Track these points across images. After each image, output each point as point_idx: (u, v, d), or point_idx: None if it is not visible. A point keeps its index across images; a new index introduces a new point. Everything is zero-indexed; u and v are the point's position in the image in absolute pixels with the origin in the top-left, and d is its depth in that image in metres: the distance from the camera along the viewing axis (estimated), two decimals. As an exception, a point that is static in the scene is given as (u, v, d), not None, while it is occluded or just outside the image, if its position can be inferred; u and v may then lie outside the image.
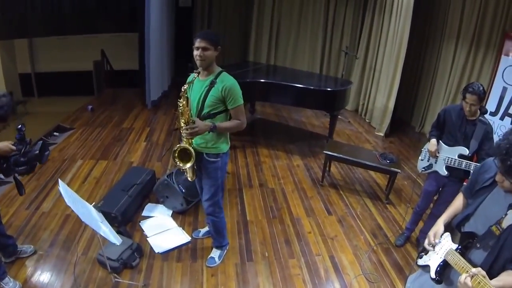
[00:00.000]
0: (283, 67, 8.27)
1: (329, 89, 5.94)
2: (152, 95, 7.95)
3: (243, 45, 9.73)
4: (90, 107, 7.78)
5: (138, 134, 6.66)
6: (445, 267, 2.17)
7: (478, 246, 2.01)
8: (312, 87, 5.83)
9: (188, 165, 3.19)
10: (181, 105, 3.06)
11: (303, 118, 7.86)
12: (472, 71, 6.05)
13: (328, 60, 9.01)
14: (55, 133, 6.63)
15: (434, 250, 2.26)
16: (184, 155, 3.20)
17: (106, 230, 2.77)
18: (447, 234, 2.26)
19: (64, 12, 9.86)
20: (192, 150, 3.14)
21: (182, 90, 3.05)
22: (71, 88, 10.39)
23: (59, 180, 2.81)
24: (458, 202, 2.40)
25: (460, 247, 2.11)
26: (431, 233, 2.27)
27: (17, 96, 10.33)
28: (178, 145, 3.20)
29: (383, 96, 7.15)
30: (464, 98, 3.32)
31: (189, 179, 3.36)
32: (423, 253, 2.38)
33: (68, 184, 4.93)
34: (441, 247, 2.23)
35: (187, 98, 3.10)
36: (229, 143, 3.39)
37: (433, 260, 2.25)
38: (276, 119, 7.82)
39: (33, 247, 3.75)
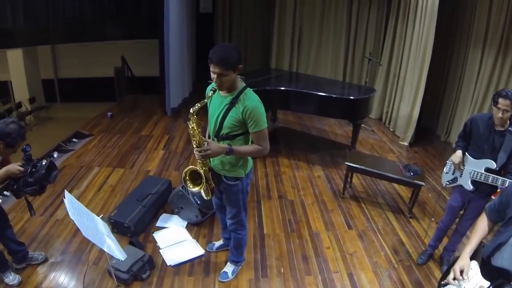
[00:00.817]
0: (305, 75, 8.08)
1: (351, 97, 5.70)
2: (172, 102, 7.89)
3: (265, 51, 9.61)
4: (109, 113, 7.79)
5: (157, 142, 6.60)
6: None
7: None
8: (334, 95, 5.64)
9: (197, 189, 2.94)
10: (190, 127, 2.74)
11: (326, 127, 7.66)
12: (500, 77, 5.75)
13: (352, 67, 8.79)
14: (73, 139, 6.65)
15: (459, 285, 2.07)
16: (197, 175, 2.95)
17: (111, 245, 2.67)
18: (475, 263, 2.06)
19: (85, 19, 10.02)
20: (202, 173, 2.88)
21: (191, 111, 2.69)
22: (93, 94, 10.52)
23: (65, 192, 2.73)
24: (482, 226, 2.19)
25: (491, 287, 1.91)
26: (457, 267, 2.06)
27: (40, 102, 10.51)
28: (188, 167, 2.93)
29: (407, 104, 6.91)
30: (496, 103, 3.02)
31: (205, 197, 3.12)
32: (447, 282, 2.18)
33: (84, 192, 4.94)
34: (469, 279, 2.03)
35: (196, 119, 2.75)
36: (251, 164, 3.12)
37: (460, 294, 2.05)
38: (298, 127, 7.65)
39: (44, 254, 3.74)
